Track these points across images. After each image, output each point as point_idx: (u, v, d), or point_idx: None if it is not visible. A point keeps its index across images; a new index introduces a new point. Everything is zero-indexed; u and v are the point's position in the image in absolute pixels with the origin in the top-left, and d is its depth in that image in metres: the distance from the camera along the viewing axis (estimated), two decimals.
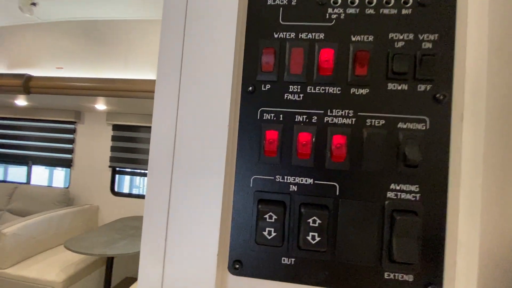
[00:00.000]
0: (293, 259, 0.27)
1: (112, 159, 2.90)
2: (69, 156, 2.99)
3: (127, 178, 3.25)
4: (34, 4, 1.82)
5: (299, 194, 0.28)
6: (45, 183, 3.50)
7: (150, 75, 1.97)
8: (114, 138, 2.91)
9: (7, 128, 3.20)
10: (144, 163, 2.90)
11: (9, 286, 1.93)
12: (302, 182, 0.28)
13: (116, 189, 2.95)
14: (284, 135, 0.28)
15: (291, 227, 0.27)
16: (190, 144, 0.29)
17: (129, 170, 2.97)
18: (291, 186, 0.28)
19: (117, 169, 2.94)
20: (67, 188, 2.89)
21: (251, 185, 0.29)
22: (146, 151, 2.89)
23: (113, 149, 2.91)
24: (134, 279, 2.78)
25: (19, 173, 3.38)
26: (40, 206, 2.69)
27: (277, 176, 0.28)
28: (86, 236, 2.11)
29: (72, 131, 2.99)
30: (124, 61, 1.98)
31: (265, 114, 0.29)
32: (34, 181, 3.21)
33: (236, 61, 0.29)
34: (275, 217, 0.27)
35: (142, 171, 2.97)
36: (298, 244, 0.27)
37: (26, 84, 2.00)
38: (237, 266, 0.28)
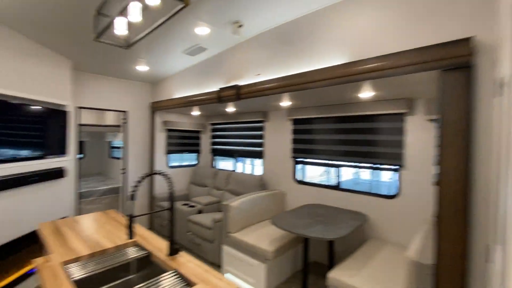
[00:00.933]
0: None
1: (293, 150, 3.21)
2: (261, 149, 3.62)
3: (307, 167, 3.47)
4: (241, 26, 2.29)
5: None
6: (246, 171, 4.46)
7: (334, 62, 1.94)
8: (294, 132, 3.21)
9: (221, 131, 4.37)
10: (319, 153, 2.98)
11: (238, 246, 2.56)
12: None
13: (298, 178, 3.23)
14: None
15: None
16: None
17: (308, 160, 3.16)
18: None
19: (298, 159, 3.22)
20: (261, 175, 3.50)
21: None
22: (322, 142, 2.96)
23: (294, 141, 3.21)
24: (320, 264, 2.92)
25: (229, 163, 4.53)
26: (245, 188, 3.42)
27: None
28: (283, 217, 2.41)
29: (262, 129, 3.60)
30: (309, 54, 2.08)
31: None
32: (239, 169, 4.18)
33: None
34: None
35: (319, 161, 3.06)
36: None
37: (238, 92, 2.57)
38: None
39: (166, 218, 3.70)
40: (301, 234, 1.97)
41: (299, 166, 3.26)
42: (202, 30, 2.34)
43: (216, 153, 4.53)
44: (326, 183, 3.00)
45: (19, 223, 2.34)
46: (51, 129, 2.70)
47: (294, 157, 3.22)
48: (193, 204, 3.56)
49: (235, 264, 2.59)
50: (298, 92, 2.30)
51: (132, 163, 3.99)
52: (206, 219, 3.09)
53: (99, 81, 3.63)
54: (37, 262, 1.27)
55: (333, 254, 2.66)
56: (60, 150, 2.85)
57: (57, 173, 2.74)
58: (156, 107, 3.93)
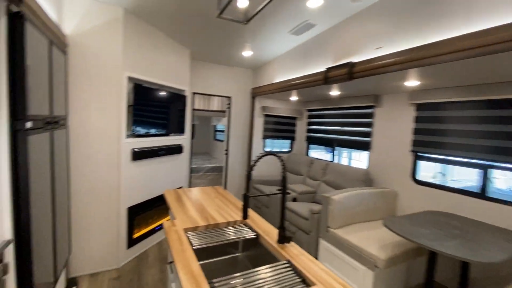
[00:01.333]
0: None
1: (414, 142, 2.63)
2: (368, 139, 3.16)
3: (433, 165, 2.81)
4: None
5: None
6: (346, 163, 4.08)
7: (502, 20, 1.35)
8: (417, 119, 2.60)
9: (320, 117, 4.09)
10: (453, 148, 2.31)
11: (339, 244, 2.31)
12: None
13: (418, 177, 2.64)
14: None
15: None
16: None
17: (435, 156, 2.51)
18: None
19: (419, 154, 2.61)
20: (366, 169, 3.07)
21: None
22: (459, 134, 2.27)
23: (416, 131, 2.61)
24: (442, 287, 2.33)
25: (321, 153, 4.24)
26: (345, 182, 3.08)
27: None
28: (400, 221, 1.98)
29: (371, 115, 3.12)
30: (463, 13, 1.54)
31: None
32: (337, 160, 3.83)
33: None
34: None
35: (452, 158, 2.38)
36: None
37: (350, 71, 2.24)
38: None
39: (260, 200, 3.79)
40: (430, 247, 1.55)
41: (420, 163, 2.65)
42: (314, 2, 2.11)
43: (312, 141, 4.30)
44: (464, 188, 2.31)
45: (151, 187, 2.83)
46: (173, 111, 3.12)
47: (415, 151, 2.63)
48: (288, 191, 3.50)
49: (334, 262, 2.37)
50: (434, 68, 1.78)
51: (233, 146, 4.26)
52: (302, 208, 2.96)
53: (209, 68, 3.97)
54: (166, 223, 1.43)
55: (467, 280, 2.05)
56: (179, 129, 3.27)
57: (177, 149, 3.17)
58: (256, 93, 4.01)
